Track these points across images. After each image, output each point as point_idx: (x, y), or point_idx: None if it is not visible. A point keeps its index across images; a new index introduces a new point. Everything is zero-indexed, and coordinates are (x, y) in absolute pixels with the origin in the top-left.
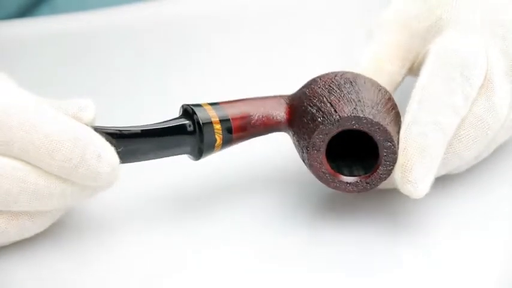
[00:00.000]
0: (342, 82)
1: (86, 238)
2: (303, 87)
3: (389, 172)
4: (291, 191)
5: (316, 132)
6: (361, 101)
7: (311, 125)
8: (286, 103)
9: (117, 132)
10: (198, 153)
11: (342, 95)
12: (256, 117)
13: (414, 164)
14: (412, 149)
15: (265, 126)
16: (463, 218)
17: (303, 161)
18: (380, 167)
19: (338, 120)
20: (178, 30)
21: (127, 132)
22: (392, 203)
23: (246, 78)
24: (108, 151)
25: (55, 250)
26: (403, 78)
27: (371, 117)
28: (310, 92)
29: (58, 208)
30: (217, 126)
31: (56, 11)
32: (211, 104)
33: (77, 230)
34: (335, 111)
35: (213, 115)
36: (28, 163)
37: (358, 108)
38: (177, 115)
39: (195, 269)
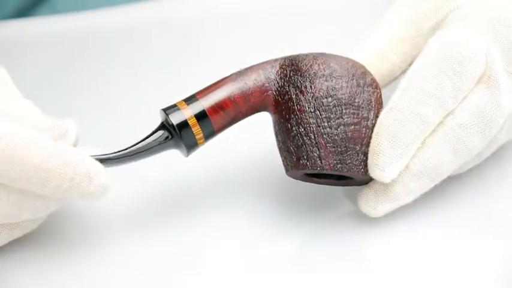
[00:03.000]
0: (332, 106)
1: (84, 240)
2: (290, 81)
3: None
4: (285, 190)
5: (297, 169)
6: (348, 146)
7: (294, 157)
8: (273, 93)
9: (100, 158)
10: (185, 152)
11: (330, 135)
12: (240, 115)
13: (383, 150)
14: (384, 135)
15: (248, 115)
16: (461, 218)
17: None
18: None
19: (320, 169)
20: (178, 30)
21: (110, 159)
22: None
23: None
24: (98, 171)
25: (54, 253)
26: (402, 73)
27: (352, 169)
28: (299, 103)
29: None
30: (196, 128)
31: (55, 11)
32: (188, 100)
33: (75, 231)
34: (320, 160)
35: (189, 116)
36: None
37: (342, 163)
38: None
39: (191, 271)
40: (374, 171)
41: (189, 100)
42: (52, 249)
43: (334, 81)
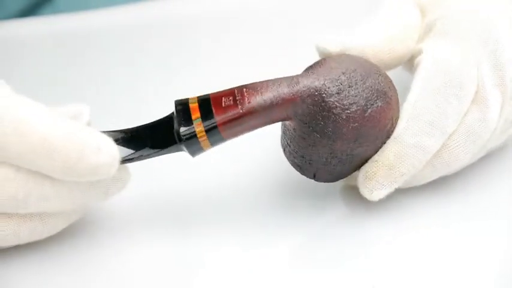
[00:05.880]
0: (346, 159)
1: (87, 243)
2: (313, 122)
3: None
4: (284, 192)
5: (291, 166)
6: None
7: (294, 160)
8: (294, 121)
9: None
10: (190, 155)
11: (333, 171)
12: (254, 130)
13: (377, 177)
14: (382, 164)
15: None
16: (461, 217)
17: (283, 149)
18: None
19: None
20: (179, 30)
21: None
22: (386, 202)
23: (246, 78)
24: (107, 142)
25: (54, 255)
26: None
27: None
28: (316, 146)
29: (70, 209)
30: (203, 138)
31: (57, 12)
32: (202, 112)
33: (79, 234)
34: (314, 177)
35: (199, 127)
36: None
37: (335, 179)
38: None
39: (192, 274)
40: (362, 191)
41: (204, 113)
42: (53, 251)
43: (359, 143)
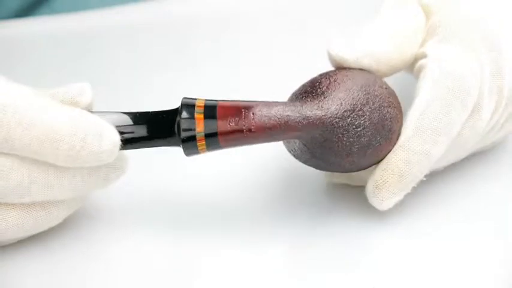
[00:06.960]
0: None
1: (87, 240)
2: (316, 152)
3: None
4: (281, 195)
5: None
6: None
7: (287, 146)
8: (297, 138)
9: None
10: (184, 154)
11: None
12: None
13: (387, 186)
14: (391, 172)
15: None
16: (459, 218)
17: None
18: None
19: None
20: (178, 30)
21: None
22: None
23: (245, 78)
24: (108, 128)
25: (56, 251)
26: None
27: None
28: (312, 159)
29: (71, 196)
30: (202, 146)
31: (55, 12)
32: (206, 120)
33: (79, 230)
34: (304, 163)
35: (200, 140)
36: (34, 158)
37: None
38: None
39: (188, 273)
40: (372, 200)
41: (208, 127)
42: (50, 244)
43: (355, 170)
